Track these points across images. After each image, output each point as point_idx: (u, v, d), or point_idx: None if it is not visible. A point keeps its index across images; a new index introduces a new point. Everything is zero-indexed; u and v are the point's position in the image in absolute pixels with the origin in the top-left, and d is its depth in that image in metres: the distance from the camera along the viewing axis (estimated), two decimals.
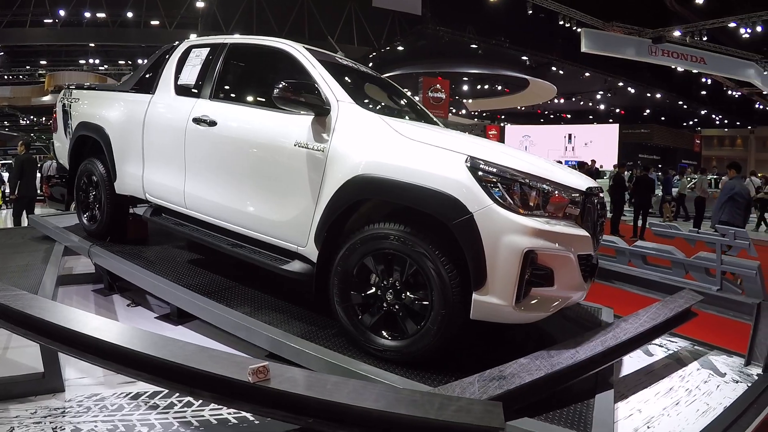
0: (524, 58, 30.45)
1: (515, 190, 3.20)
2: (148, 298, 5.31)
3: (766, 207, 20.34)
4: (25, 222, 10.77)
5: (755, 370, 3.96)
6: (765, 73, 27.42)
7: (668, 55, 26.08)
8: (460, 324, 3.24)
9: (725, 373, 3.92)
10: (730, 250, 4.86)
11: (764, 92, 30.26)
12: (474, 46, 28.08)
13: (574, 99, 41.19)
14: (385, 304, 3.42)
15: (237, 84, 5.02)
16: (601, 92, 38.46)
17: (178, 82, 5.13)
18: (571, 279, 3.31)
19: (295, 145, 3.90)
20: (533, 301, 3.19)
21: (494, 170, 3.19)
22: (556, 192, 3.29)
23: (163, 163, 5.01)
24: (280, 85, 3.73)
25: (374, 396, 2.50)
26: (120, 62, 34.04)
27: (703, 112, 42.43)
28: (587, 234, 3.40)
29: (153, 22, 27.60)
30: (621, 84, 34.79)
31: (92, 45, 31.02)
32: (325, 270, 3.67)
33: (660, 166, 43.68)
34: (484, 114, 51.35)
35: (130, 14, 26.57)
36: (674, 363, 4.10)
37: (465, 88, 39.91)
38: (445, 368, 3.29)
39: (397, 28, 32.01)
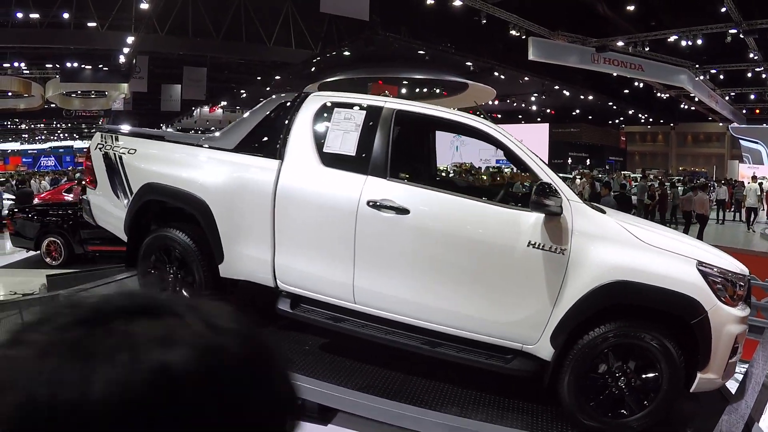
0: (468, 63, 30.52)
1: (728, 286, 3.83)
2: None
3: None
4: None
5: None
6: (696, 78, 29.12)
7: (609, 63, 26.97)
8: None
9: None
10: None
11: (692, 95, 31.85)
12: (422, 51, 27.94)
13: (507, 100, 41.67)
14: (614, 389, 3.80)
15: (416, 161, 4.71)
16: (536, 94, 39.06)
17: (325, 150, 4.40)
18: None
19: (528, 245, 3.86)
20: (727, 371, 3.89)
21: (715, 272, 3.82)
22: (742, 282, 3.94)
23: (314, 249, 4.38)
24: (540, 190, 3.77)
25: None
26: (47, 66, 32.01)
27: (630, 112, 43.81)
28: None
29: (89, 24, 25.97)
30: (556, 87, 35.43)
31: (8, 47, 28.97)
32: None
33: (588, 163, 45.20)
34: None
35: (66, 15, 24.87)
36: None
37: (404, 91, 39.83)
38: None
39: (334, 31, 31.49)
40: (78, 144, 57.89)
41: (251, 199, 4.52)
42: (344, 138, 4.38)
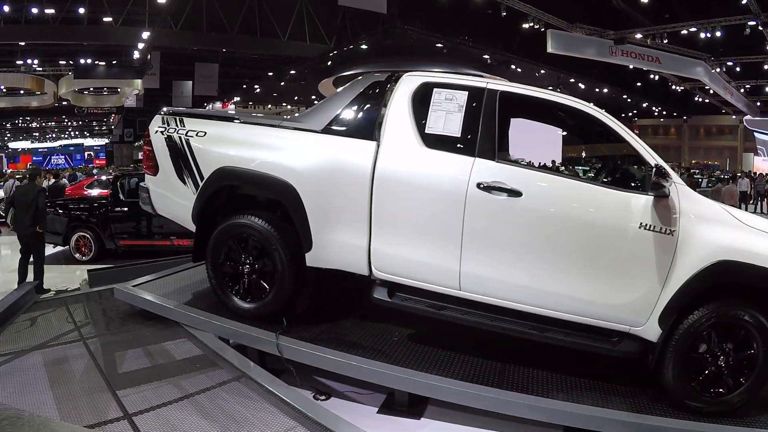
0: (486, 56, 30.31)
1: None
2: (334, 386, 4.55)
3: None
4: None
5: None
6: (713, 71, 29.04)
7: (627, 56, 26.92)
8: None
9: None
10: None
11: (706, 87, 31.82)
12: (439, 45, 27.76)
13: None
14: (714, 368, 3.92)
15: (530, 142, 4.66)
16: (551, 87, 38.80)
17: (427, 131, 4.28)
18: None
19: (640, 227, 3.92)
20: None
21: None
22: None
23: (417, 234, 4.21)
24: (659, 172, 3.82)
25: None
26: (61, 62, 31.80)
27: (644, 105, 43.57)
28: None
29: (104, 19, 25.78)
30: (572, 80, 35.21)
31: (22, 44, 28.80)
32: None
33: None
34: None
35: (81, 10, 24.67)
36: None
37: None
38: None
39: (348, 25, 31.36)
40: (89, 141, 57.75)
41: (345, 183, 4.34)
42: (447, 119, 4.27)
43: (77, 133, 62.11)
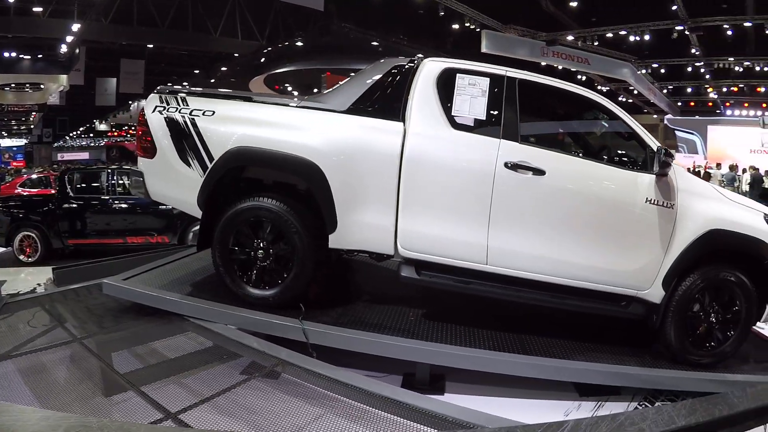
0: (420, 55, 30.48)
1: None
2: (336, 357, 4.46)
3: None
4: None
5: None
6: (638, 72, 30.32)
7: (557, 56, 27.82)
8: None
9: None
10: None
11: (631, 87, 33.25)
12: (375, 43, 27.75)
13: None
14: (707, 324, 4.61)
15: (542, 126, 5.21)
16: None
17: (453, 114, 4.43)
18: None
19: (646, 202, 4.42)
20: None
21: None
22: None
23: (447, 211, 4.39)
24: (665, 152, 4.35)
25: None
26: None
27: None
28: None
29: (34, 9, 24.39)
30: None
31: None
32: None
33: None
34: None
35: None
36: None
37: None
38: None
39: (280, 22, 31.04)
40: (6, 142, 54.15)
41: (373, 164, 4.38)
42: (472, 103, 4.46)
43: None
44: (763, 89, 34.15)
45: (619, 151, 4.94)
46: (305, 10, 24.55)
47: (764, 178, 24.10)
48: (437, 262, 4.45)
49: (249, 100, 4.89)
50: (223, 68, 32.88)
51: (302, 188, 4.65)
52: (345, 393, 3.69)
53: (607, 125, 5.04)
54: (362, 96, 4.60)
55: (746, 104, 37.06)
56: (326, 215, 4.42)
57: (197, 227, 11.01)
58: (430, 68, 4.64)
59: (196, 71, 35.87)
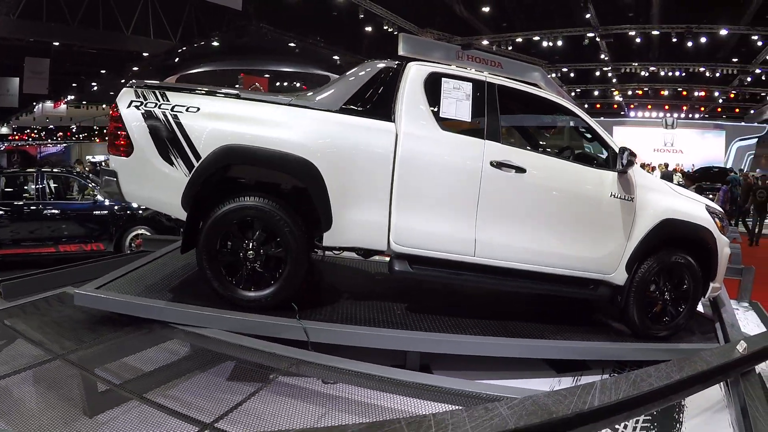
0: (335, 57, 30.60)
1: (719, 221, 5.53)
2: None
3: None
4: None
5: None
6: (548, 76, 31.35)
7: (471, 60, 27.83)
8: None
9: None
10: None
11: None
12: (292, 44, 27.70)
13: None
14: (661, 301, 5.34)
15: (518, 129, 5.89)
16: None
17: (441, 116, 4.79)
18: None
19: (611, 196, 5.06)
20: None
21: (714, 210, 5.53)
22: (724, 218, 5.71)
23: (438, 207, 4.69)
24: (629, 153, 5.02)
25: None
26: None
27: None
28: None
29: None
30: None
31: None
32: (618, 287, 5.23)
33: None
34: None
35: None
36: None
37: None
38: None
39: (194, 21, 30.45)
40: None
41: (368, 162, 4.55)
42: (458, 105, 4.81)
43: None
44: (666, 92, 36.43)
45: (586, 152, 5.52)
46: (221, 10, 24.11)
47: (673, 175, 25.67)
48: (427, 255, 4.74)
49: (236, 97, 4.74)
50: (135, 68, 31.93)
51: (294, 187, 4.71)
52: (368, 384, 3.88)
53: (575, 127, 5.57)
54: (353, 97, 4.73)
55: (649, 106, 39.46)
56: (322, 213, 4.50)
57: (134, 233, 11.02)
58: (418, 71, 4.94)
59: (103, 71, 34.65)
